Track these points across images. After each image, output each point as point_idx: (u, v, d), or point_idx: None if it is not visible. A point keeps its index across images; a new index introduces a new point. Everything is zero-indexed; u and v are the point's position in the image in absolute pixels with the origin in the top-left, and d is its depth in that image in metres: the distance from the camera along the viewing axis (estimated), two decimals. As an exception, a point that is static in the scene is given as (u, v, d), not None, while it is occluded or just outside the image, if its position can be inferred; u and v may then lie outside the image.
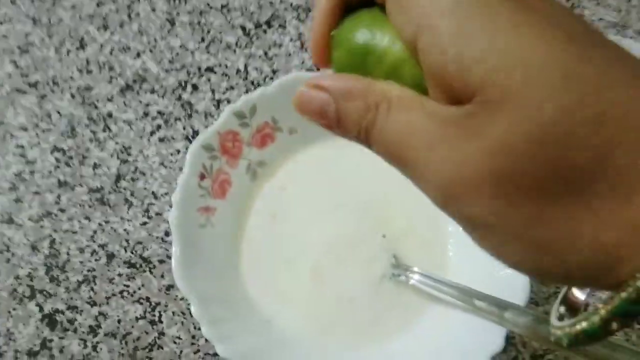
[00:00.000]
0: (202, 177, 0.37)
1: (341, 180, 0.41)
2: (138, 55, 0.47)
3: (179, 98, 0.45)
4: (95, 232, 0.40)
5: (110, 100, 0.45)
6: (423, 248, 0.40)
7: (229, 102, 0.45)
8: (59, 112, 0.44)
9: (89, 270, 0.39)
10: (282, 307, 0.37)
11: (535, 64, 0.14)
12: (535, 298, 0.41)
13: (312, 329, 0.36)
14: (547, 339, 0.33)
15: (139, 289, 0.39)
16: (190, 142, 0.44)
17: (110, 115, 0.44)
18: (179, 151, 0.43)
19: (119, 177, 0.42)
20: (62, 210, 0.41)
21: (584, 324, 0.15)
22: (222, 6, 0.49)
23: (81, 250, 0.40)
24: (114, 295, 0.39)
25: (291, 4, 0.50)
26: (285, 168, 0.41)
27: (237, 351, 0.32)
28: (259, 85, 0.46)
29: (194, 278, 0.34)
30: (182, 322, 0.38)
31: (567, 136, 0.13)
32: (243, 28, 0.49)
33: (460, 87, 0.15)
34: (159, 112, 0.45)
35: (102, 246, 0.40)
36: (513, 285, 0.35)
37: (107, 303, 0.39)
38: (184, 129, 0.44)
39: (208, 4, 0.49)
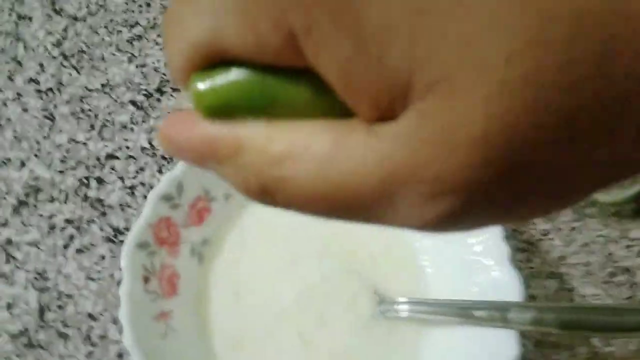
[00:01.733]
0: (146, 280, 0.32)
1: (293, 232, 0.38)
2: (22, 164, 0.40)
3: (85, 198, 0.40)
4: (33, 384, 0.34)
5: (4, 225, 0.38)
6: (399, 273, 0.38)
7: (143, 185, 0.41)
8: (-56, 258, 0.36)
9: None
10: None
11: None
12: (531, 292, 0.41)
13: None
14: (561, 329, 0.32)
15: None
16: (114, 243, 0.39)
17: (9, 242, 0.37)
18: (103, 257, 0.38)
19: (42, 310, 0.36)
20: (-17, 372, 0.34)
21: None
22: (103, 85, 0.45)
23: (22, 412, 0.33)
24: None
25: (177, 65, 0.47)
26: (232, 239, 0.37)
27: None
28: (171, 158, 0.42)
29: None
30: None
31: None
32: (134, 103, 0.44)
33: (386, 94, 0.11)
34: (67, 221, 0.39)
35: (47, 397, 0.33)
36: (505, 283, 0.34)
37: None
38: (102, 229, 0.39)
39: (86, 87, 0.44)
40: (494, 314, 0.32)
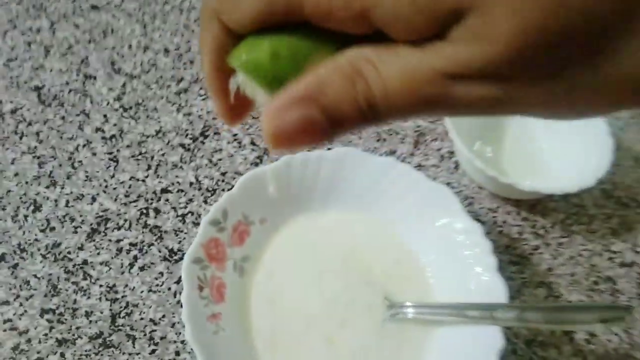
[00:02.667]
0: (201, 288, 0.40)
1: (318, 250, 0.46)
2: (93, 199, 0.49)
3: (145, 225, 0.48)
4: (109, 376, 0.41)
5: (80, 248, 0.46)
6: (406, 283, 0.45)
7: (192, 213, 0.49)
8: (35, 276, 0.45)
9: (116, 415, 0.40)
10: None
11: None
12: (523, 299, 0.47)
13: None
14: (535, 324, 0.39)
15: (170, 414, 0.40)
16: (169, 261, 0.46)
17: (85, 262, 0.46)
18: (162, 273, 0.46)
19: (114, 317, 0.43)
20: (67, 368, 0.42)
21: None
22: (157, 132, 0.53)
23: (102, 399, 0.40)
24: None
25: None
26: (267, 256, 0.45)
27: None
28: (214, 190, 0.50)
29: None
30: None
31: None
32: (182, 145, 0.53)
33: (432, 18, 0.15)
34: (131, 244, 0.47)
35: (121, 387, 0.41)
36: (491, 289, 0.41)
37: None
38: (160, 251, 0.47)
39: (143, 134, 0.53)
40: (484, 313, 0.39)
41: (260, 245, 0.45)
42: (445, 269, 0.44)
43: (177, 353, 0.42)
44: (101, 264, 0.46)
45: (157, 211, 0.49)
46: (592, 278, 0.49)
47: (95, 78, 0.57)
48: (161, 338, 0.43)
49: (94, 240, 0.47)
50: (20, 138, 0.52)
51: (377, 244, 0.46)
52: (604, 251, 0.51)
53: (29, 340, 0.42)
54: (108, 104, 0.55)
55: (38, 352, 0.41)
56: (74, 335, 0.42)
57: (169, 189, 0.50)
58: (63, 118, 0.54)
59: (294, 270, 0.44)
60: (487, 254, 0.42)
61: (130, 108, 0.55)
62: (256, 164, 0.52)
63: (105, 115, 0.54)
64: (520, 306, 0.39)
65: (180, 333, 0.43)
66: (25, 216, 0.48)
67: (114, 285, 0.45)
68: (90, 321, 0.43)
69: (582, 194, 0.54)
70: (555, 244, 0.51)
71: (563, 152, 0.52)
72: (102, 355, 0.42)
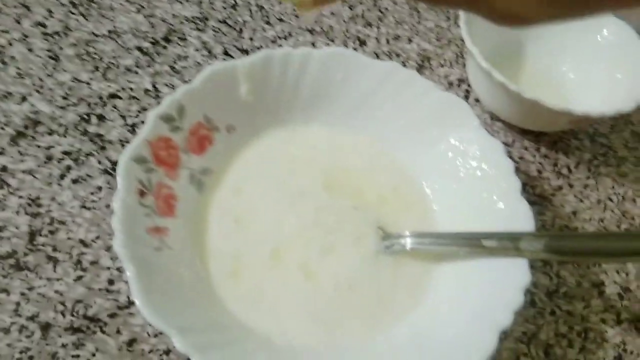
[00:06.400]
0: (142, 193, 0.31)
1: (297, 168, 0.37)
2: (23, 99, 0.40)
3: (85, 133, 0.39)
4: (18, 304, 0.32)
5: (0, 153, 0.37)
6: (404, 211, 0.36)
7: (144, 124, 0.40)
8: None
9: (21, 352, 0.30)
10: (278, 318, 0.31)
11: None
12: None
13: (317, 330, 0.31)
14: (571, 256, 0.30)
15: (93, 355, 0.31)
16: (111, 175, 0.37)
17: (4, 169, 0.36)
18: (100, 188, 0.36)
19: (32, 234, 0.34)
20: (-34, 295, 0.32)
21: None
22: (110, 32, 0.44)
23: (5, 331, 0.31)
24: (62, 373, 0.30)
25: (185, 17, 0.46)
26: (234, 170, 0.36)
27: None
28: (174, 99, 0.41)
29: (165, 308, 0.27)
30: (160, 378, 0.31)
31: None
32: (139, 49, 0.44)
33: None
34: (65, 153, 0.38)
35: (32, 318, 0.31)
36: (513, 217, 0.33)
37: (56, 385, 0.30)
38: (100, 162, 0.38)
39: (93, 33, 0.44)
40: (505, 243, 0.31)
41: (225, 157, 0.36)
42: (453, 195, 0.36)
43: (111, 282, 0.33)
44: (24, 172, 0.36)
45: (101, 118, 0.40)
46: (623, 225, 0.41)
47: (42, -29, 0.47)
48: (91, 263, 0.34)
49: (17, 145, 0.37)
50: (-59, 27, 0.43)
51: (370, 166, 0.38)
52: (637, 197, 0.43)
53: None
54: (54, -2, 0.46)
55: None
56: (-23, 253, 0.33)
57: (119, 94, 0.41)
58: (-2, 10, 0.44)
59: (265, 189, 0.35)
60: (508, 176, 0.34)
61: (81, 4, 0.45)
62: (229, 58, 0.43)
63: (49, 10, 0.45)
64: (551, 234, 0.31)
65: (117, 259, 0.34)
66: None
67: (38, 198, 0.35)
68: (2, 237, 0.34)
69: (610, 135, 0.46)
70: (580, 185, 0.43)
71: (591, 79, 0.44)
72: (11, 278, 0.32)
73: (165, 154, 0.33)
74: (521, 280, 0.30)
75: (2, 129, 0.38)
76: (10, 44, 0.42)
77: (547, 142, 0.44)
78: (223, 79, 0.35)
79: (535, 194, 0.41)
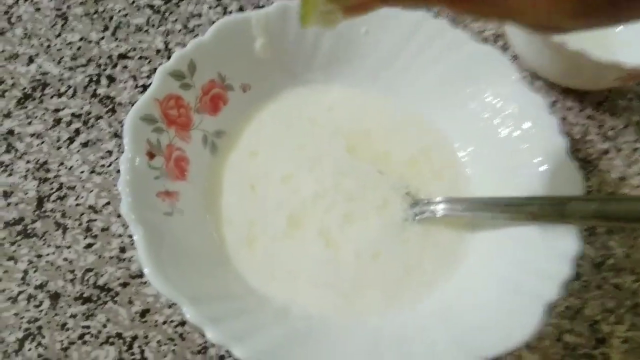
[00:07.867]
0: (151, 155, 0.29)
1: (316, 130, 0.34)
2: (31, 60, 0.38)
3: (94, 94, 0.37)
4: (26, 272, 0.30)
5: (7, 116, 0.35)
6: (434, 176, 0.33)
7: (157, 85, 0.37)
8: (-59, 144, 0.34)
9: (29, 322, 0.29)
10: (296, 287, 0.29)
11: None
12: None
13: (336, 301, 0.28)
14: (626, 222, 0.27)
15: (104, 326, 0.29)
16: (122, 138, 0.35)
17: (11, 132, 0.35)
18: (110, 152, 0.35)
19: (41, 200, 0.32)
20: (-26, 263, 0.31)
21: None
22: (120, -11, 0.42)
23: (13, 300, 0.29)
24: (72, 344, 0.29)
25: (199, -27, 0.44)
26: (249, 131, 0.34)
27: (259, 350, 0.24)
28: (188, 58, 0.38)
29: (176, 277, 0.25)
30: (174, 351, 0.29)
31: None
32: (151, 6, 0.41)
33: None
34: (74, 115, 0.36)
35: (40, 287, 0.30)
36: (560, 179, 0.29)
37: (66, 355, 0.28)
38: (110, 126, 0.36)
39: (102, -10, 0.42)
40: (549, 208, 0.28)
41: (240, 118, 0.34)
42: (489, 158, 0.33)
43: (122, 250, 0.31)
44: (32, 135, 0.35)
45: (110, 79, 0.37)
46: (678, 191, 0.37)
47: None
48: (102, 230, 0.32)
49: (25, 107, 0.36)
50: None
51: (396, 128, 0.35)
52: (692, 161, 0.39)
53: None
54: (62, -45, 0.43)
55: None
56: (-16, 219, 0.32)
57: (129, 54, 0.39)
58: (3, -32, 0.42)
59: (283, 152, 0.33)
60: (552, 135, 0.30)
61: (90, -39, 0.43)
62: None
63: (57, -32, 0.42)
64: (602, 197, 0.28)
65: (128, 226, 0.32)
66: (-62, 73, 0.36)
67: (46, 162, 0.34)
68: (9, 203, 0.32)
69: (662, 94, 0.42)
70: (629, 149, 0.39)
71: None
72: (19, 245, 0.31)
73: (176, 114, 0.31)
74: (570, 249, 0.27)
75: (9, 90, 0.36)
76: (17, 3, 0.40)
77: (592, 102, 0.41)
78: (236, 32, 0.33)
79: (579, 159, 0.38)
